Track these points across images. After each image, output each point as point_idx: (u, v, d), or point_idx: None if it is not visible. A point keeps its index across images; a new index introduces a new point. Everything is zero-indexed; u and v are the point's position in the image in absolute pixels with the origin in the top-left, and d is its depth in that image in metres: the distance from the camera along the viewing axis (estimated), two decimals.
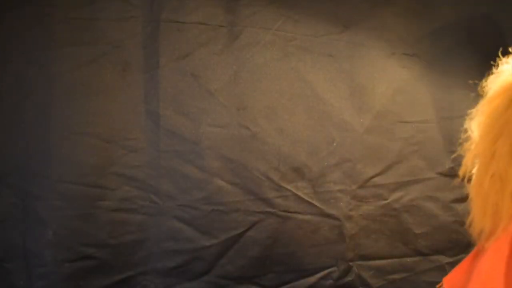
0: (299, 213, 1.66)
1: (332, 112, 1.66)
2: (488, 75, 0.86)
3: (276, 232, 1.65)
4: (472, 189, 0.78)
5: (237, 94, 1.62)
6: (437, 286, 0.85)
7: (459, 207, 1.69)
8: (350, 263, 1.69)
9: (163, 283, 1.61)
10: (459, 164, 1.72)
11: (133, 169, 1.56)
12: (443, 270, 1.70)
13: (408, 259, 1.70)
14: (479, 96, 1.73)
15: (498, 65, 0.80)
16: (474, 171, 0.78)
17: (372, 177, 1.67)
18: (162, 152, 1.59)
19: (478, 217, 0.76)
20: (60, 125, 1.52)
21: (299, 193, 1.65)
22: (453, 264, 1.71)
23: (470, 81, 1.70)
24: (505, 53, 1.73)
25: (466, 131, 0.82)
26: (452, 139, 1.68)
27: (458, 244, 1.70)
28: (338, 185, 1.67)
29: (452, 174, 1.68)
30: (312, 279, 1.67)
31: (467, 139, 0.81)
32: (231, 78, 1.62)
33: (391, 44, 1.68)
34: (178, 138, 1.59)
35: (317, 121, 1.66)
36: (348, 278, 1.69)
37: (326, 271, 1.68)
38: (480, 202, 0.76)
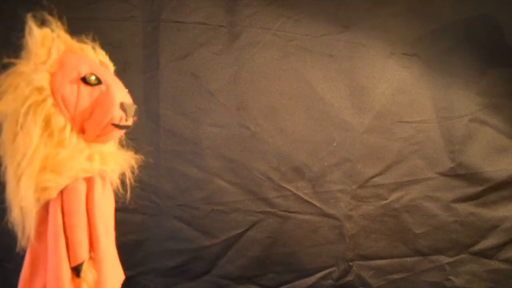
0: (299, 213, 1.66)
1: (332, 112, 1.66)
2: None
3: (276, 232, 1.65)
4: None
5: (237, 94, 1.62)
6: None
7: (459, 207, 1.69)
8: (350, 263, 1.70)
9: (163, 283, 1.61)
10: (460, 164, 1.73)
11: None
12: (443, 270, 1.71)
13: (408, 259, 1.70)
14: (479, 95, 1.73)
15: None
16: None
17: (372, 177, 1.67)
18: (162, 152, 1.59)
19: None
20: None
21: (299, 193, 1.65)
22: (453, 264, 1.71)
23: (470, 81, 1.71)
24: (505, 53, 1.73)
25: None
26: (452, 139, 1.68)
27: (458, 244, 1.70)
28: (338, 185, 1.67)
29: (452, 174, 1.68)
30: (312, 279, 1.67)
31: None
32: (231, 78, 1.62)
33: (391, 44, 1.68)
34: (178, 138, 1.59)
35: (317, 121, 1.66)
36: (348, 278, 1.69)
37: (326, 271, 1.68)
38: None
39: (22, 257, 1.61)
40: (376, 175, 1.68)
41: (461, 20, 1.69)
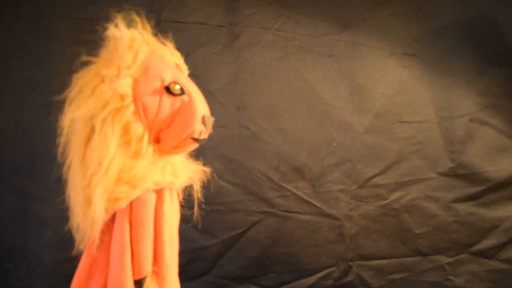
0: (299, 213, 1.66)
1: (332, 112, 1.66)
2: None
3: (276, 232, 1.65)
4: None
5: (237, 94, 1.62)
6: None
7: (459, 207, 1.69)
8: (350, 263, 1.70)
9: None
10: (460, 164, 1.73)
11: None
12: (443, 270, 1.71)
13: (408, 259, 1.70)
14: (479, 95, 1.73)
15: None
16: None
17: (372, 177, 1.67)
18: None
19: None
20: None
21: (299, 193, 1.65)
22: (453, 264, 1.71)
23: (470, 81, 1.71)
24: (505, 53, 1.73)
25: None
26: (452, 139, 1.68)
27: (458, 244, 1.70)
28: (338, 185, 1.67)
29: (452, 174, 1.68)
30: (312, 279, 1.67)
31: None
32: (231, 78, 1.62)
33: (391, 44, 1.68)
34: None
35: (317, 121, 1.66)
36: (348, 278, 1.69)
37: (326, 271, 1.68)
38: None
39: (22, 257, 1.61)
40: (376, 175, 1.68)
41: (461, 20, 1.69)
